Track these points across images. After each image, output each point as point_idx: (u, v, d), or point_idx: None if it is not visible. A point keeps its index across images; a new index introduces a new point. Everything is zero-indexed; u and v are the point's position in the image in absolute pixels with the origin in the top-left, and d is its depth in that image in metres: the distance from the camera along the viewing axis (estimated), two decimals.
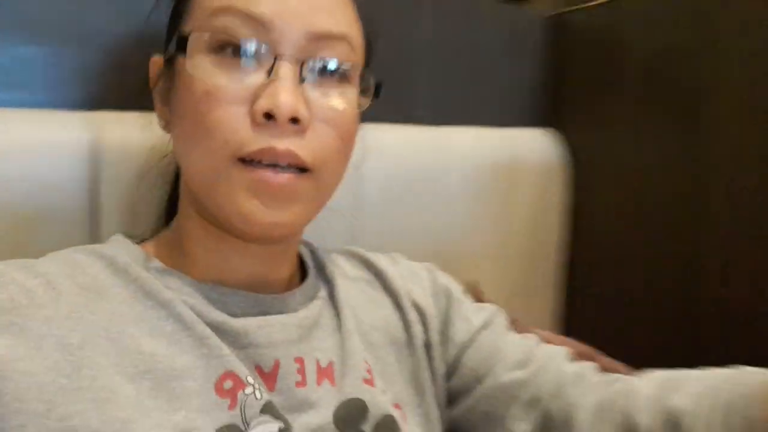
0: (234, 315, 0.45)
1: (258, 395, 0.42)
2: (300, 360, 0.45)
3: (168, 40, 0.49)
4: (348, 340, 0.49)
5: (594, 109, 0.90)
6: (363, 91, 0.47)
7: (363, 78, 0.47)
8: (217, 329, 0.43)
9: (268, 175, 0.42)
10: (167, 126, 0.49)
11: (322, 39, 0.44)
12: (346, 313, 0.50)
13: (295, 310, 0.47)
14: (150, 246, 0.49)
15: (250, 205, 0.42)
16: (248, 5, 0.42)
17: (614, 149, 0.87)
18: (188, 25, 0.45)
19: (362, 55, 0.48)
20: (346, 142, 0.46)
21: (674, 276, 0.80)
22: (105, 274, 0.43)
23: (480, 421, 0.53)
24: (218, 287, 0.46)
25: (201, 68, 0.42)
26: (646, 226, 0.83)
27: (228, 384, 0.41)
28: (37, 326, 0.38)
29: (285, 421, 0.42)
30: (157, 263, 0.45)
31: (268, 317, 0.46)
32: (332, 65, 0.44)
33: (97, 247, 0.46)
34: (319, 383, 0.45)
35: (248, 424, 0.41)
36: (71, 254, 0.44)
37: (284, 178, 0.42)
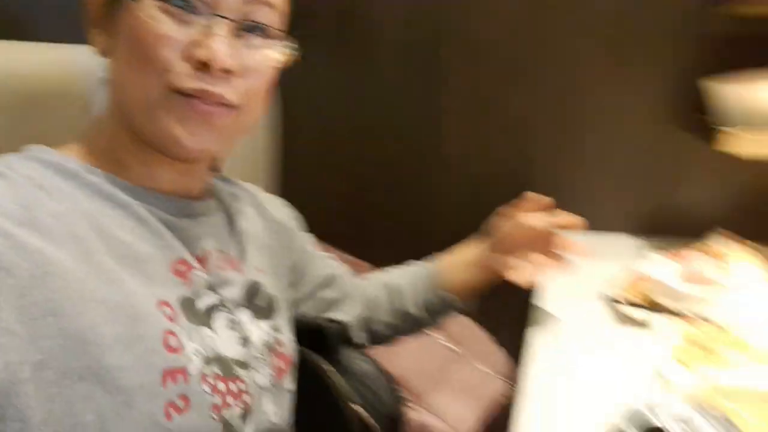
0: (173, 214, 0.56)
1: (201, 275, 0.56)
2: (218, 251, 0.60)
3: None
4: (243, 241, 0.64)
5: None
6: (280, 48, 0.56)
7: (282, 39, 0.56)
8: (165, 224, 0.54)
9: (197, 102, 0.51)
10: (104, 52, 0.56)
11: (253, 3, 0.53)
12: (240, 221, 0.64)
13: (209, 215, 0.60)
14: (74, 154, 0.55)
15: (180, 131, 0.51)
16: None
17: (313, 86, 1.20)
18: None
19: (283, 20, 0.57)
20: (266, 88, 0.57)
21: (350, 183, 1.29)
22: (58, 180, 0.50)
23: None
24: (155, 192, 0.55)
25: (151, 14, 0.50)
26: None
27: (181, 267, 0.54)
28: (51, 222, 0.46)
29: (219, 295, 0.57)
30: (97, 170, 0.53)
31: (202, 218, 0.59)
32: (261, 27, 0.54)
33: (29, 154, 0.52)
34: (232, 268, 0.60)
35: (198, 296, 0.55)
36: (17, 162, 0.50)
37: (211, 108, 0.52)
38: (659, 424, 0.32)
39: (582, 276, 0.81)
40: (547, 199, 0.76)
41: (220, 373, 0.53)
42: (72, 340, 0.43)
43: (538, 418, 0.60)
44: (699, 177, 1.07)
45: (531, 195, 0.78)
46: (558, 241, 0.74)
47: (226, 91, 0.52)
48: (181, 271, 0.54)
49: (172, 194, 0.57)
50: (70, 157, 0.53)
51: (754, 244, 0.81)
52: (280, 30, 0.56)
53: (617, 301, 0.74)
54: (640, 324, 0.71)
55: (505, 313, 1.04)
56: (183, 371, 0.49)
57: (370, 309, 0.78)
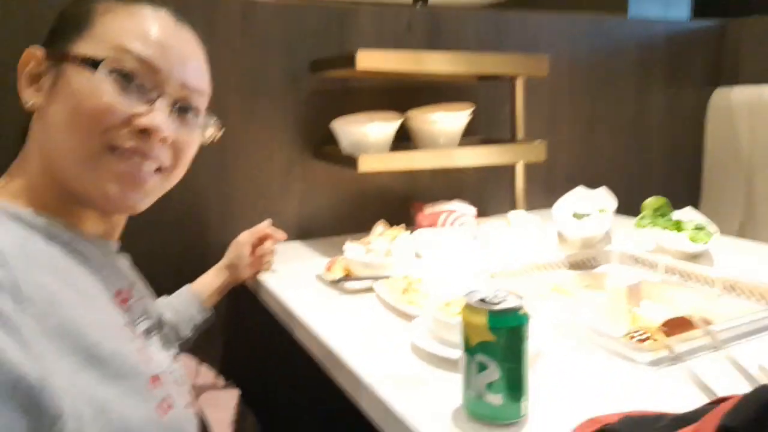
0: (102, 254, 0.64)
1: (136, 303, 0.66)
2: (137, 282, 0.71)
3: (52, 43, 0.62)
4: (139, 278, 0.75)
5: None
6: (205, 129, 0.69)
7: (207, 121, 0.69)
8: (99, 261, 0.62)
9: (133, 171, 0.60)
10: (34, 107, 0.61)
11: (191, 90, 0.65)
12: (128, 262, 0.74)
13: (120, 254, 0.71)
14: (5, 196, 0.59)
15: (112, 189, 0.59)
16: (145, 52, 0.60)
17: None
18: (88, 47, 0.59)
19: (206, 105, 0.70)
20: (189, 158, 0.69)
21: None
22: (5, 220, 0.55)
23: None
24: (84, 234, 0.62)
25: (100, 83, 0.58)
26: None
27: (120, 298, 0.63)
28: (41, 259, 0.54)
29: (149, 319, 0.68)
30: (32, 213, 0.58)
31: (119, 255, 0.69)
32: (194, 109, 0.66)
33: None
34: (142, 299, 0.70)
35: (136, 322, 0.64)
36: None
37: (147, 175, 0.62)
38: (484, 295, 0.63)
39: (293, 269, 1.14)
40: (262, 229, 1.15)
41: (175, 379, 0.64)
42: (83, 355, 0.50)
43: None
44: (321, 189, 1.45)
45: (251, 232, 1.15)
46: (267, 241, 1.14)
47: (161, 155, 0.62)
48: (121, 300, 0.63)
49: (97, 235, 0.65)
50: (4, 201, 0.57)
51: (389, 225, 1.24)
52: (206, 112, 0.69)
53: (334, 281, 1.04)
54: (354, 291, 1.03)
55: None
56: (160, 377, 0.59)
57: None
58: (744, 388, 0.67)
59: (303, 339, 0.94)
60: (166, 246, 1.27)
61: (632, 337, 0.79)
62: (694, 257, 1.17)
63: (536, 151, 1.35)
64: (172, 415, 0.58)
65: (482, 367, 0.59)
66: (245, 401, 1.21)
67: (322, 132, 1.37)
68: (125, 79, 0.59)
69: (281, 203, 1.40)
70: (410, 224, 1.43)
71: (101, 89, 0.57)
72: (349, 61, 1.13)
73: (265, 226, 1.17)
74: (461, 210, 1.32)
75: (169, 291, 1.09)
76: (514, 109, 1.44)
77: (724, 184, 2.05)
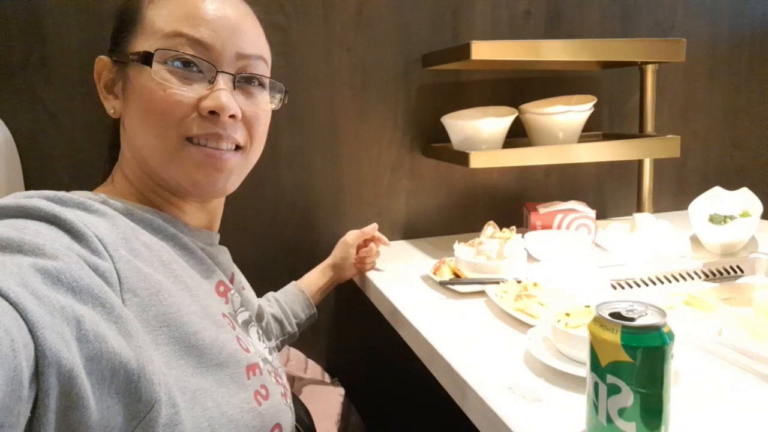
0: (206, 244, 0.66)
1: (235, 294, 0.66)
2: (237, 272, 0.72)
3: (114, 47, 0.64)
4: (238, 270, 0.75)
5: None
6: (272, 94, 0.68)
7: (273, 85, 0.67)
8: (204, 252, 0.63)
9: (212, 151, 0.60)
10: (117, 113, 0.63)
11: (248, 58, 0.63)
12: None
13: (222, 244, 0.71)
14: (114, 195, 0.61)
15: (198, 175, 0.60)
16: (194, 33, 0.59)
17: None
18: (142, 42, 0.60)
19: (270, 68, 0.68)
20: (265, 128, 0.67)
21: None
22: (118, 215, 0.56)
23: None
24: (188, 226, 0.64)
25: (162, 76, 0.58)
26: None
27: (221, 288, 0.64)
28: (144, 251, 0.55)
29: (248, 310, 0.69)
30: (140, 207, 0.60)
31: (220, 246, 0.69)
32: (256, 77, 0.64)
33: (95, 200, 0.56)
34: (244, 289, 0.73)
35: (237, 312, 0.65)
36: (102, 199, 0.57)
37: (226, 155, 0.61)
38: (617, 309, 0.56)
39: (399, 268, 1.11)
40: (369, 232, 1.15)
41: (272, 370, 0.64)
42: (181, 344, 0.51)
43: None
44: (429, 187, 1.42)
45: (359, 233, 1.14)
46: (371, 244, 1.13)
47: (234, 133, 0.61)
48: (221, 292, 0.64)
49: (200, 226, 0.67)
50: (115, 198, 0.58)
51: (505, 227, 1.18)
52: (270, 78, 0.67)
53: (443, 283, 1.00)
54: (463, 294, 0.99)
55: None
56: (258, 366, 0.59)
57: None
58: None
59: (409, 340, 0.91)
60: (277, 240, 1.29)
61: None
62: None
63: (669, 146, 1.22)
64: (269, 404, 0.58)
65: (613, 390, 0.52)
66: (350, 400, 1.20)
67: (432, 128, 1.33)
68: (182, 65, 0.59)
69: (389, 200, 1.38)
70: (521, 225, 1.36)
71: (161, 82, 0.58)
72: (464, 52, 1.08)
73: (372, 229, 1.15)
74: (580, 211, 1.23)
75: (282, 284, 1.11)
76: (644, 100, 1.31)
77: None
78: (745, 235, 1.12)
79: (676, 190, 1.58)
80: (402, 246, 1.33)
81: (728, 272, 1.09)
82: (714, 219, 1.16)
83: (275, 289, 1.10)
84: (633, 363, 0.51)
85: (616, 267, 1.06)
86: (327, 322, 1.35)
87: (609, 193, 1.52)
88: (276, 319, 1.01)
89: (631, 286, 1.02)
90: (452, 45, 1.28)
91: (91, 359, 0.40)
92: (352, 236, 1.14)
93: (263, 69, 0.66)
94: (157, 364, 0.48)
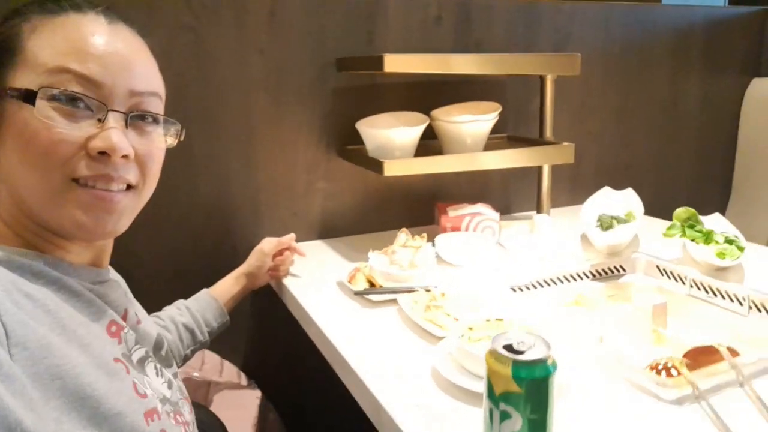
0: (92, 282, 0.62)
1: (129, 332, 0.64)
2: (130, 308, 0.67)
3: None
4: (132, 300, 0.73)
5: None
6: (167, 130, 0.64)
7: (167, 122, 0.64)
8: (92, 292, 0.60)
9: (101, 193, 0.57)
10: None
11: (141, 95, 0.60)
12: (122, 282, 0.72)
13: (112, 279, 0.67)
14: None
15: (84, 219, 0.56)
16: (82, 69, 0.55)
17: None
18: (23, 77, 0.55)
19: (164, 104, 0.65)
20: (159, 167, 0.64)
21: None
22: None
23: None
24: (73, 265, 0.60)
25: (47, 114, 0.54)
26: None
27: (113, 328, 0.61)
28: (26, 302, 0.52)
29: (143, 347, 0.66)
30: (16, 251, 0.56)
31: (110, 282, 0.65)
32: (149, 115, 0.61)
33: None
34: (140, 324, 0.68)
35: (131, 351, 0.63)
36: None
37: (117, 196, 0.58)
38: (509, 341, 0.63)
39: (315, 273, 1.16)
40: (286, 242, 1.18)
41: (172, 409, 0.64)
42: (74, 396, 0.50)
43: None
44: (344, 188, 1.45)
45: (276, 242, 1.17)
46: (287, 253, 1.18)
47: (127, 173, 0.58)
48: (113, 332, 0.61)
49: (86, 264, 0.63)
50: None
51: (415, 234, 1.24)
52: (163, 115, 0.64)
53: (358, 293, 1.04)
54: (377, 303, 1.04)
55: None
56: (156, 411, 0.58)
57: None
58: (764, 430, 0.67)
59: (324, 352, 0.95)
60: (193, 246, 1.29)
61: (657, 371, 0.79)
62: (723, 270, 1.15)
63: (564, 154, 1.32)
64: None
65: (505, 416, 0.59)
66: (268, 400, 1.24)
67: (348, 130, 1.36)
68: (68, 103, 0.55)
69: (305, 202, 1.40)
70: (433, 223, 1.43)
71: (46, 121, 0.54)
72: (377, 64, 1.11)
73: (289, 239, 1.18)
74: (485, 214, 1.31)
75: (197, 286, 1.10)
76: (544, 106, 1.41)
77: (756, 177, 1.99)
78: (628, 237, 1.25)
79: (573, 184, 1.71)
80: (318, 247, 1.37)
81: (612, 271, 1.22)
82: (602, 223, 1.28)
83: (196, 289, 1.10)
84: (522, 393, 0.58)
85: (515, 269, 1.16)
86: (244, 322, 1.37)
87: (513, 190, 1.63)
88: (187, 328, 1.01)
89: (528, 288, 1.12)
90: (367, 49, 1.31)
91: None
92: (268, 245, 1.15)
93: (157, 106, 0.62)
94: (51, 418, 0.47)
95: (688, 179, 1.96)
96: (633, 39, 1.72)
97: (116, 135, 0.56)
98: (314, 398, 1.44)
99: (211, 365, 1.27)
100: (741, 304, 1.04)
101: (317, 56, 1.33)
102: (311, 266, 1.23)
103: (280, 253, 1.17)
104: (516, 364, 0.58)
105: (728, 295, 1.06)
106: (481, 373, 0.74)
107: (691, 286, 1.12)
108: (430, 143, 1.36)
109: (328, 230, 1.43)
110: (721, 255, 1.12)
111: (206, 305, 1.05)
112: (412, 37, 1.40)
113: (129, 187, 0.60)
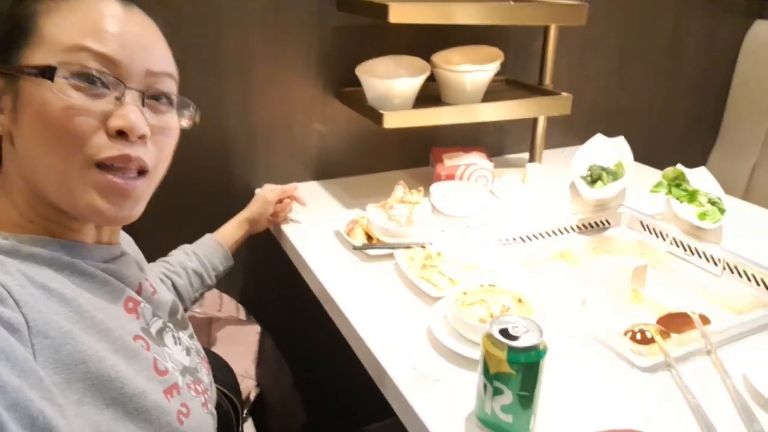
0: (105, 261, 0.63)
1: (146, 306, 0.65)
2: (144, 280, 0.68)
3: (1, 57, 0.57)
4: (145, 269, 0.72)
5: None
6: (181, 112, 0.65)
7: (182, 103, 0.65)
8: (105, 271, 0.61)
9: (118, 181, 0.57)
10: (4, 129, 0.57)
11: (156, 75, 0.60)
12: (132, 253, 0.71)
13: (124, 254, 0.67)
14: None
15: (102, 203, 0.57)
16: (100, 47, 0.55)
17: None
18: (40, 55, 0.55)
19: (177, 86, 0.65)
20: (172, 147, 0.65)
21: None
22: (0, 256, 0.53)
23: None
24: (85, 245, 0.61)
25: (64, 91, 0.54)
26: None
27: (130, 305, 0.62)
28: (40, 292, 0.53)
29: (160, 318, 0.67)
30: (26, 238, 0.56)
31: (123, 258, 0.66)
32: (165, 95, 0.62)
33: None
34: (155, 294, 0.69)
35: (149, 324, 0.64)
36: None
37: (132, 183, 0.59)
38: (504, 325, 0.69)
39: (314, 219, 1.21)
40: (289, 191, 1.20)
41: (192, 379, 0.67)
42: (99, 379, 0.52)
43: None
44: (341, 129, 1.45)
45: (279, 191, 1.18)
46: (287, 200, 1.20)
47: (143, 154, 0.58)
48: (130, 308, 0.62)
49: (100, 242, 0.64)
50: None
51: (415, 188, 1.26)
52: (178, 95, 0.64)
53: (357, 248, 1.08)
54: (375, 257, 1.09)
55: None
56: (176, 386, 0.61)
57: (180, 297, 1.01)
58: (725, 398, 0.75)
59: (324, 304, 1.01)
60: (191, 184, 1.29)
61: (632, 337, 0.86)
62: (703, 229, 1.21)
63: (561, 105, 1.33)
64: (191, 420, 0.61)
65: (498, 392, 0.66)
66: (266, 330, 1.31)
67: (346, 71, 1.33)
68: (87, 81, 0.55)
69: (302, 141, 1.40)
70: (428, 164, 1.45)
71: (65, 99, 0.54)
72: (382, 13, 1.08)
73: (292, 189, 1.20)
74: (479, 164, 1.33)
75: (196, 228, 1.13)
76: (545, 53, 1.39)
77: (744, 121, 2.02)
78: (615, 192, 1.29)
79: (568, 127, 1.72)
80: (314, 189, 1.39)
81: (598, 225, 1.27)
82: (591, 173, 1.31)
83: (191, 239, 1.13)
84: (515, 374, 0.64)
85: (506, 221, 1.20)
86: (241, 256, 1.41)
87: (508, 131, 1.64)
88: (196, 273, 1.05)
89: (516, 241, 1.17)
90: None
91: (11, 408, 0.43)
92: (271, 194, 1.17)
93: (171, 86, 0.63)
94: (71, 404, 0.49)
95: (679, 122, 1.98)
96: None
97: (134, 113, 0.57)
98: (312, 332, 1.52)
99: (211, 299, 1.33)
100: (716, 264, 1.11)
101: None
102: (309, 211, 1.25)
103: (280, 200, 1.19)
104: (511, 349, 0.64)
105: (705, 255, 1.12)
106: (475, 339, 0.80)
107: (671, 244, 1.18)
108: (429, 86, 1.35)
109: (325, 171, 1.45)
110: (702, 216, 1.17)
111: (212, 251, 1.09)
112: None
113: (142, 172, 0.60)
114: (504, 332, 0.66)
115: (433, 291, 0.94)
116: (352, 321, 0.89)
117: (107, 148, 0.56)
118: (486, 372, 0.66)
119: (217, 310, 1.32)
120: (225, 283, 1.31)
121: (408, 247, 1.05)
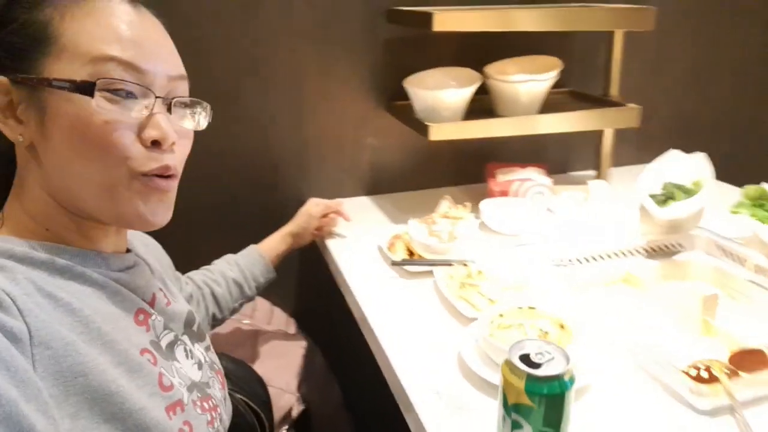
0: (119, 270, 0.62)
1: (157, 318, 0.64)
2: (158, 290, 0.67)
3: (14, 66, 0.55)
4: (163, 276, 0.73)
5: None
6: (194, 112, 0.64)
7: (196, 104, 0.64)
8: (117, 282, 0.60)
9: (162, 185, 0.59)
10: (27, 140, 0.56)
11: (175, 80, 0.60)
12: (149, 261, 0.71)
13: (137, 263, 0.67)
14: (6, 233, 0.58)
15: (144, 209, 0.58)
16: (126, 56, 0.55)
17: None
18: (64, 66, 0.54)
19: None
20: (189, 150, 0.65)
21: None
22: (12, 263, 0.53)
23: None
24: (98, 254, 0.61)
25: (101, 105, 0.54)
26: None
27: (141, 317, 0.62)
28: (47, 302, 0.52)
29: (172, 330, 0.66)
30: (39, 246, 0.56)
31: (136, 268, 0.65)
32: (184, 99, 0.62)
33: None
34: (169, 305, 0.68)
35: (160, 337, 0.63)
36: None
37: (169, 185, 0.60)
38: (526, 351, 0.62)
39: (358, 234, 1.18)
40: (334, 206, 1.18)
41: (199, 395, 0.64)
42: (98, 393, 0.51)
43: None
44: (393, 143, 1.42)
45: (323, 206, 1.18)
46: (332, 215, 1.19)
47: (171, 160, 0.60)
48: (141, 321, 0.62)
49: (114, 251, 0.64)
50: (7, 242, 0.55)
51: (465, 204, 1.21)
52: (192, 97, 0.64)
53: (395, 263, 1.04)
54: (414, 274, 1.04)
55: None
56: (180, 403, 0.59)
57: (218, 305, 1.01)
58: None
59: (357, 319, 0.97)
60: (242, 196, 1.31)
61: (697, 375, 0.75)
62: None
63: (628, 117, 1.23)
64: None
65: (516, 426, 0.59)
66: (315, 344, 1.28)
67: (397, 83, 1.31)
68: (116, 92, 0.55)
69: (353, 156, 1.38)
70: (483, 181, 1.39)
71: (103, 113, 0.54)
72: (426, 21, 1.04)
73: (337, 204, 1.18)
74: (535, 179, 1.25)
75: (244, 240, 1.13)
76: (611, 62, 1.30)
77: None
78: (690, 212, 1.16)
79: (640, 142, 1.60)
80: (364, 204, 1.37)
81: (669, 248, 1.15)
82: (665, 192, 1.19)
83: (245, 240, 1.13)
84: (534, 407, 0.57)
85: (563, 241, 1.11)
86: (293, 271, 1.41)
87: (572, 147, 1.54)
88: (236, 282, 1.05)
89: (572, 262, 1.08)
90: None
91: (3, 421, 0.42)
92: (316, 209, 1.16)
93: (187, 89, 0.63)
94: (63, 421, 0.48)
95: (766, 139, 1.78)
96: None
97: (164, 122, 0.58)
98: (362, 349, 1.49)
99: (262, 312, 1.33)
100: None
101: (367, 5, 1.26)
102: (355, 226, 1.23)
103: (325, 215, 1.18)
104: (530, 378, 0.57)
105: None
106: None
107: (754, 271, 1.04)
108: (482, 98, 1.30)
109: (376, 186, 1.42)
110: None
111: (254, 261, 1.09)
112: None
113: (169, 177, 0.61)
114: (525, 358, 0.59)
115: (469, 311, 0.88)
116: (380, 338, 0.85)
117: (149, 161, 0.57)
118: (504, 402, 0.60)
119: (266, 323, 1.32)
120: (277, 296, 1.31)
121: (449, 264, 1.00)
